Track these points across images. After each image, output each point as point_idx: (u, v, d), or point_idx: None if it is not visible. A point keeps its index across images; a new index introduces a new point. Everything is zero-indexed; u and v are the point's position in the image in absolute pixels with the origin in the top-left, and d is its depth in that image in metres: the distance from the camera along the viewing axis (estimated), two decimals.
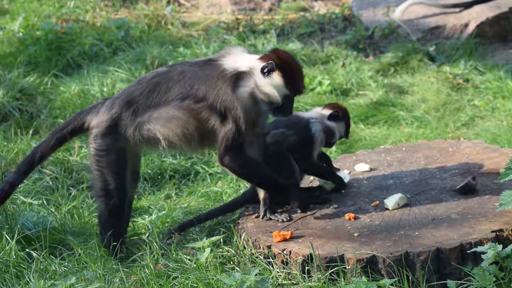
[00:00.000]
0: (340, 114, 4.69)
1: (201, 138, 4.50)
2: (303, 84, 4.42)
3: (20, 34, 7.83)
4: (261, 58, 4.39)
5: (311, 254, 4.12)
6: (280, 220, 4.45)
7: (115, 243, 4.54)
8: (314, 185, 4.82)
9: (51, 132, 4.73)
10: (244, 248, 4.36)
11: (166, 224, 5.00)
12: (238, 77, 4.35)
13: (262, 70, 4.32)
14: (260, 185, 4.50)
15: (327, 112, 4.69)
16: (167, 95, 4.44)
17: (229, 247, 4.48)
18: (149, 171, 5.70)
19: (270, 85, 4.33)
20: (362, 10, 8.22)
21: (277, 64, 4.32)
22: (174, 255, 4.42)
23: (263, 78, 4.33)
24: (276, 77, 4.32)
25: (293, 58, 4.43)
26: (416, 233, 4.21)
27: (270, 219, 4.49)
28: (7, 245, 4.58)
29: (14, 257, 4.51)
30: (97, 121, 4.53)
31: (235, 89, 4.33)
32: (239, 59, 4.43)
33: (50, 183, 5.56)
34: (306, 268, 4.15)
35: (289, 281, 4.15)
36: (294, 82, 4.36)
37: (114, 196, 4.56)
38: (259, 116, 4.43)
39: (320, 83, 7.05)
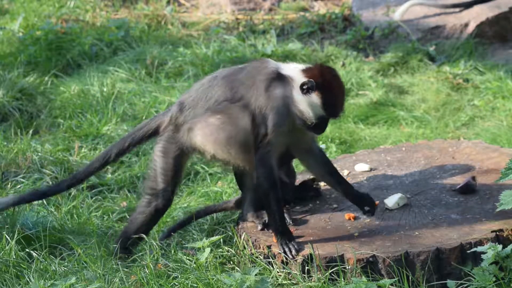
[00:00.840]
0: None
1: (238, 143, 4.31)
2: (342, 108, 4.21)
3: (20, 34, 7.84)
4: (304, 71, 4.17)
5: (311, 254, 4.12)
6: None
7: (131, 245, 4.53)
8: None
9: (127, 133, 4.69)
10: (244, 248, 4.36)
11: (167, 224, 5.00)
12: (276, 77, 4.17)
13: (301, 86, 4.10)
14: (265, 200, 4.26)
15: None
16: (208, 103, 4.33)
17: (229, 247, 4.48)
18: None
19: (307, 103, 4.12)
20: (362, 10, 8.22)
21: (318, 83, 4.09)
22: (174, 255, 4.43)
23: (300, 95, 4.12)
24: (315, 97, 4.10)
25: (337, 78, 4.18)
26: (416, 233, 4.22)
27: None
28: (7, 245, 4.58)
29: (14, 257, 4.51)
30: (164, 123, 4.50)
31: (269, 88, 4.16)
32: (284, 65, 4.25)
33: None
34: (306, 268, 4.15)
35: (289, 281, 4.15)
36: (333, 105, 4.14)
37: (159, 199, 4.50)
38: (293, 125, 4.21)
39: None
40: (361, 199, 4.31)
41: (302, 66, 4.23)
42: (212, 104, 4.31)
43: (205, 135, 4.34)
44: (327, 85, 4.11)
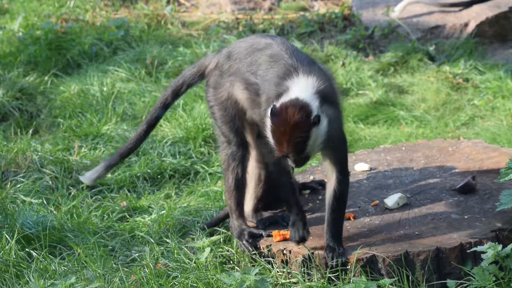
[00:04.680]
0: None
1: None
2: (286, 150, 3.94)
3: (20, 33, 7.83)
4: (288, 96, 4.00)
5: (311, 254, 4.12)
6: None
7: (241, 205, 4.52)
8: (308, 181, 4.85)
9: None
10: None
11: (166, 224, 5.00)
12: (277, 97, 4.04)
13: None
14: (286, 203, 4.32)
15: None
16: (251, 68, 4.26)
17: (229, 247, 4.48)
18: (148, 170, 5.70)
19: (268, 131, 4.02)
20: (362, 9, 8.22)
21: (273, 113, 3.94)
22: (174, 255, 4.43)
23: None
24: (268, 124, 3.99)
25: (291, 120, 3.89)
26: (416, 232, 4.22)
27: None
28: (7, 244, 4.58)
29: (14, 256, 4.51)
30: (211, 65, 4.53)
31: (269, 107, 4.04)
32: (300, 81, 4.05)
33: (50, 182, 5.56)
34: (306, 268, 4.15)
35: (289, 281, 4.15)
36: (277, 142, 3.97)
37: (234, 146, 4.45)
38: None
39: None
40: (327, 249, 4.16)
41: (300, 93, 4.00)
42: (252, 72, 4.27)
43: (241, 96, 4.34)
44: (277, 117, 3.93)
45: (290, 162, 4.04)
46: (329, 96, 4.06)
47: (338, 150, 4.20)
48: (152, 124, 4.73)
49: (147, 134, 4.75)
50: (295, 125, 3.90)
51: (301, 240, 4.19)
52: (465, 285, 3.95)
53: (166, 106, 4.68)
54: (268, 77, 4.17)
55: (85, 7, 8.52)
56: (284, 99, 3.97)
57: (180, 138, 6.10)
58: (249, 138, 4.44)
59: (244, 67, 4.30)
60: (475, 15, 7.74)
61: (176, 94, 4.65)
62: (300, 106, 3.92)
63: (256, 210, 4.58)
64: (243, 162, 4.44)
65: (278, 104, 3.96)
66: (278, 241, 4.29)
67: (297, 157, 3.98)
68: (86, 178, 4.82)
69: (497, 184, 4.52)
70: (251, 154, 4.49)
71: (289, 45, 4.26)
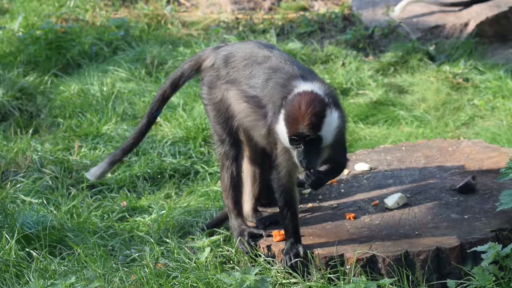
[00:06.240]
0: None
1: (258, 137, 4.35)
2: (301, 125, 3.95)
3: (20, 33, 7.83)
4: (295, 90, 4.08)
5: (311, 254, 4.12)
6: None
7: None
8: None
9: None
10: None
11: (166, 223, 5.00)
12: (284, 98, 4.09)
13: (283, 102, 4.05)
14: (280, 213, 4.28)
15: None
16: (249, 80, 4.27)
17: (229, 247, 4.48)
18: (148, 170, 5.70)
19: (279, 124, 4.06)
20: (361, 9, 8.22)
21: (287, 102, 4.01)
22: (174, 255, 4.43)
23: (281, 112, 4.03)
24: (281, 115, 4.02)
25: (304, 102, 3.96)
26: (416, 232, 4.22)
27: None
28: (7, 244, 4.58)
29: (14, 256, 4.51)
30: (207, 63, 4.51)
31: (277, 113, 4.08)
32: (304, 83, 4.10)
33: (50, 182, 5.56)
34: (306, 267, 4.15)
35: (289, 281, 4.15)
36: (291, 119, 3.98)
37: (227, 145, 4.46)
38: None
39: None
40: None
41: (306, 87, 4.07)
42: (251, 86, 4.27)
43: (236, 106, 4.35)
44: (290, 102, 4.00)
45: (301, 158, 3.99)
46: (333, 99, 4.09)
47: (340, 149, 4.23)
48: (153, 117, 4.73)
49: (148, 128, 4.76)
50: (311, 100, 3.96)
51: (290, 268, 4.17)
52: (465, 285, 3.96)
53: (165, 98, 4.68)
54: (270, 86, 4.19)
55: (85, 7, 8.52)
56: (295, 92, 4.03)
57: (180, 138, 6.10)
58: (242, 137, 4.44)
59: (242, 79, 4.31)
60: (475, 15, 7.74)
61: (175, 86, 4.64)
62: (312, 91, 4.02)
63: (256, 209, 4.58)
64: (237, 161, 4.46)
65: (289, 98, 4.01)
66: (278, 241, 4.29)
67: (311, 137, 3.95)
68: (91, 174, 4.82)
69: (497, 184, 4.52)
70: (245, 153, 4.49)
71: (287, 57, 4.30)
